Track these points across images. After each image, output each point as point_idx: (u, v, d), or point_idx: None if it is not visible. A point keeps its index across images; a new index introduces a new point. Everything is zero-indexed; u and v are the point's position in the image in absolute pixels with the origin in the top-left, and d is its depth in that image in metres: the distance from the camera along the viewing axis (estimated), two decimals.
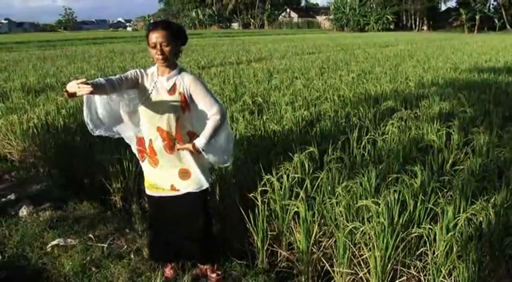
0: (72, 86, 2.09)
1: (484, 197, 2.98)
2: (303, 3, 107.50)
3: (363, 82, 8.62)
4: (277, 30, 78.88)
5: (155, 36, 2.41)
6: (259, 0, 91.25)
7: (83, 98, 2.44)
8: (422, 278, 2.62)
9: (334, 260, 2.82)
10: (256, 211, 3.06)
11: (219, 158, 2.75)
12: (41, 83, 9.69)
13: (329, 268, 2.84)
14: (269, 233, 3.11)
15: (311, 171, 3.40)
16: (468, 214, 2.76)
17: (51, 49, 25.63)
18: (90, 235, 3.49)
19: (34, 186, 4.64)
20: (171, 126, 2.58)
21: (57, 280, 2.96)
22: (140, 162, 2.81)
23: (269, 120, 5.23)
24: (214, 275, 2.95)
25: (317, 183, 3.23)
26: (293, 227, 3.05)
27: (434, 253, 2.62)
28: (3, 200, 4.28)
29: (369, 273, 2.66)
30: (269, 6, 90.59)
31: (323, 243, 2.95)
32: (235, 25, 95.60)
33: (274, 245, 3.15)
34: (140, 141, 2.72)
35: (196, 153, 2.61)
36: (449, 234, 2.61)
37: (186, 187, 2.68)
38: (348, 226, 2.73)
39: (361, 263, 2.73)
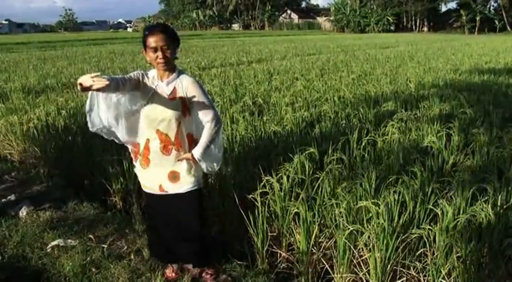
0: (86, 80, 2.04)
1: (483, 198, 2.98)
2: (303, 5, 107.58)
3: (363, 83, 8.62)
4: (278, 31, 78.95)
5: (154, 40, 2.42)
6: (259, 1, 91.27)
7: (87, 94, 2.46)
8: (422, 279, 2.63)
9: (334, 261, 2.82)
10: (256, 212, 3.07)
11: (210, 165, 2.75)
12: (41, 83, 9.71)
13: (329, 269, 2.84)
14: (269, 234, 3.11)
15: (311, 172, 3.40)
16: (468, 215, 2.77)
17: (52, 50, 25.65)
18: (90, 236, 3.49)
19: (34, 187, 4.65)
20: (171, 130, 2.58)
21: (57, 281, 2.96)
22: (133, 161, 2.84)
23: (269, 121, 5.24)
24: (207, 276, 2.95)
25: (317, 184, 3.24)
26: (293, 228, 3.05)
27: (434, 254, 2.63)
28: (3, 200, 4.28)
29: (369, 274, 2.66)
30: (269, 7, 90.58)
31: (323, 244, 2.96)
32: (235, 26, 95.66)
33: (274, 246, 3.16)
34: (135, 143, 2.76)
35: (193, 162, 2.63)
36: (449, 235, 2.61)
37: (174, 189, 2.68)
38: (348, 227, 2.73)
39: (361, 264, 2.74)
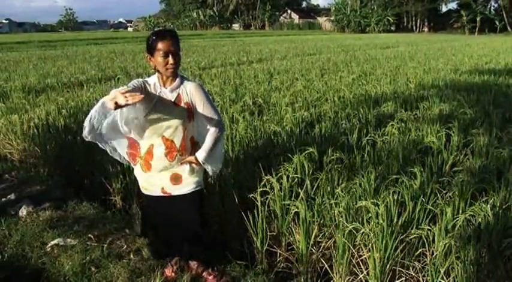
0: (119, 97, 1.99)
1: (483, 198, 2.99)
2: (303, 5, 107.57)
3: (363, 83, 8.63)
4: (278, 31, 78.91)
5: (166, 45, 2.39)
6: (260, 1, 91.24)
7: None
8: (421, 279, 2.63)
9: (334, 261, 2.83)
10: (256, 212, 3.07)
11: (214, 167, 2.77)
12: (42, 83, 9.71)
13: (328, 269, 2.85)
14: (268, 233, 3.11)
15: (311, 172, 3.41)
16: (467, 215, 2.77)
17: (52, 49, 25.64)
18: (90, 235, 3.49)
19: (34, 186, 4.65)
20: (177, 137, 2.58)
21: (56, 280, 2.96)
22: (132, 165, 2.79)
23: (269, 121, 5.24)
24: (211, 277, 2.94)
25: (317, 184, 3.24)
26: (292, 227, 3.05)
27: (433, 254, 2.63)
28: (3, 199, 4.28)
29: (368, 274, 2.67)
30: (270, 7, 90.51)
31: (322, 244, 2.96)
32: (236, 26, 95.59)
33: (274, 246, 3.16)
34: (134, 145, 2.68)
35: (197, 165, 2.64)
36: (448, 235, 2.61)
37: (176, 190, 2.68)
38: (347, 227, 2.74)
39: (361, 263, 2.74)
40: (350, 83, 8.65)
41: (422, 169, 3.43)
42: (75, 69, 12.66)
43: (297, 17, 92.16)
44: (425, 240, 2.69)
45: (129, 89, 2.05)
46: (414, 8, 74.24)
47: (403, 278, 2.66)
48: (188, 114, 2.57)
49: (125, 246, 3.38)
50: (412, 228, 2.79)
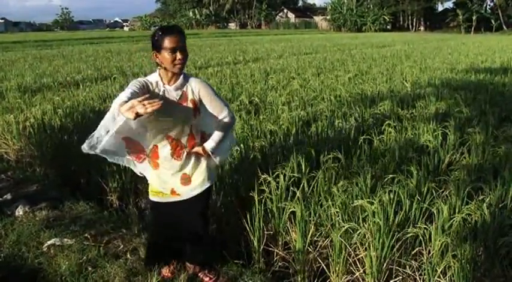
0: (138, 106, 1.88)
1: (479, 197, 3.00)
2: (300, 4, 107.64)
3: (360, 82, 8.65)
4: (274, 30, 78.88)
5: (174, 41, 2.33)
6: (256, 0, 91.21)
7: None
8: (417, 278, 2.63)
9: (330, 260, 2.83)
10: (253, 211, 3.07)
11: (223, 157, 2.76)
12: (38, 82, 9.67)
13: (325, 268, 2.85)
14: (265, 232, 3.11)
15: (307, 171, 3.41)
16: (463, 214, 2.78)
17: (48, 49, 25.55)
18: (87, 235, 3.48)
19: (30, 186, 4.63)
20: (184, 135, 2.55)
21: (53, 280, 2.95)
22: (137, 164, 2.65)
23: (266, 120, 5.24)
24: (207, 279, 2.92)
25: (313, 183, 3.24)
26: (289, 226, 3.05)
27: (429, 253, 2.64)
28: None
29: (365, 273, 2.67)
30: (266, 6, 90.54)
31: (319, 243, 2.96)
32: (232, 25, 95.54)
33: (271, 245, 3.16)
34: (132, 143, 2.52)
35: (205, 155, 2.60)
36: (445, 233, 2.62)
37: (187, 192, 2.64)
38: (343, 226, 2.74)
39: (357, 262, 2.75)
40: (346, 82, 8.66)
41: (418, 168, 3.44)
42: (71, 68, 12.62)
43: (293, 16, 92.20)
44: (421, 239, 2.69)
45: (146, 96, 1.96)
46: (410, 7, 74.42)
47: (400, 277, 2.67)
48: (194, 111, 2.53)
49: (122, 246, 3.37)
50: (408, 227, 2.79)
